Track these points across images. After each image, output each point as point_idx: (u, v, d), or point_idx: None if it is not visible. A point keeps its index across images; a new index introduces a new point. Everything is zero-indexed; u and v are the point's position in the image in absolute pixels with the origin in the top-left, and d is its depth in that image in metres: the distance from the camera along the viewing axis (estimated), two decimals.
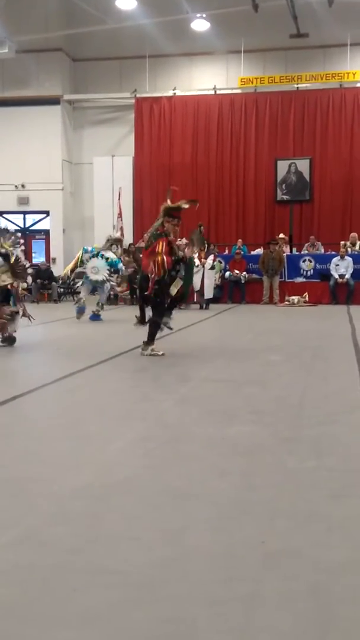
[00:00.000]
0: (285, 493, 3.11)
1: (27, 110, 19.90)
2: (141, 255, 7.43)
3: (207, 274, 14.74)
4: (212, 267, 15.00)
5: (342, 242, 16.96)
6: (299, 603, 2.13)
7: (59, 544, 2.53)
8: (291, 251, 17.71)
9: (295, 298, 15.72)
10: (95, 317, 11.74)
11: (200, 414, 4.74)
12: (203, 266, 14.71)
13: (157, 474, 3.36)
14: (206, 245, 15.09)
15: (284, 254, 16.73)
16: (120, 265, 12.28)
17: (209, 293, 14.85)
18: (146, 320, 7.38)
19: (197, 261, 14.73)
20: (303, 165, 18.98)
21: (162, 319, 7.30)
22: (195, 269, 14.61)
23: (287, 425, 4.37)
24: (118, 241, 12.56)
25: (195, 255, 14.84)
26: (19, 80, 19.81)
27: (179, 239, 14.62)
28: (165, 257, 6.80)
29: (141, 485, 3.19)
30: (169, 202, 7.24)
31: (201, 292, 14.84)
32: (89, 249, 12.11)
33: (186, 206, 7.16)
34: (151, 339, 7.18)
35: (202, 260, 14.78)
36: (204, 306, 14.79)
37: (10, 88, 20.05)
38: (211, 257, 15.00)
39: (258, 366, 6.84)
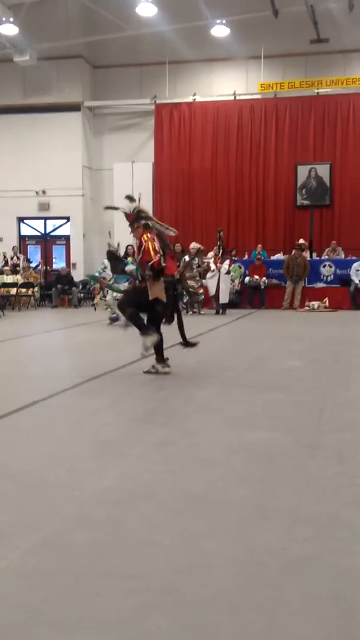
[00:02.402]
0: (306, 499, 3.10)
1: (48, 117, 20.05)
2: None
3: (222, 279, 14.69)
4: (228, 272, 14.94)
5: None
6: (321, 610, 2.12)
7: (81, 549, 2.55)
8: (311, 256, 17.64)
9: (316, 303, 15.65)
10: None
11: (220, 420, 4.74)
12: (219, 270, 14.69)
13: (177, 480, 3.36)
14: (221, 250, 15.09)
15: None
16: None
17: (224, 298, 14.80)
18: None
19: (212, 266, 14.76)
20: (323, 170, 18.91)
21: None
22: (210, 274, 14.70)
23: (308, 431, 4.35)
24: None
25: (211, 260, 14.89)
26: (40, 87, 19.97)
27: (194, 245, 14.71)
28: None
29: (161, 491, 3.20)
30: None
31: (216, 297, 14.82)
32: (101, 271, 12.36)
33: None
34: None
35: (218, 264, 14.77)
36: (221, 311, 14.76)
37: (31, 95, 20.21)
38: (227, 261, 14.95)
39: (278, 372, 6.82)
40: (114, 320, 12.00)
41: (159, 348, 6.66)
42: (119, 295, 12.04)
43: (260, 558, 2.48)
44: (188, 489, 3.21)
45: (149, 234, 6.55)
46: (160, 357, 6.68)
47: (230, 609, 2.12)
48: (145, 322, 6.63)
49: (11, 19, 17.33)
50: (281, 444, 4.04)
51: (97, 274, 12.88)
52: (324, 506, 3.01)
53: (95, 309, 12.68)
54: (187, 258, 13.47)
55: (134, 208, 6.67)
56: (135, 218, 6.62)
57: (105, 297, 12.60)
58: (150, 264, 6.34)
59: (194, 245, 14.75)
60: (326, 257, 17.40)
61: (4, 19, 17.24)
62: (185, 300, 13.62)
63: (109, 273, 12.13)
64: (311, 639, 1.97)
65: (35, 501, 3.08)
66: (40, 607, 2.14)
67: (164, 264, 6.50)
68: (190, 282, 6.67)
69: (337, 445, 4.00)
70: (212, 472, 3.49)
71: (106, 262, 12.49)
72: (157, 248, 6.47)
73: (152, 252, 6.39)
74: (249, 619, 2.07)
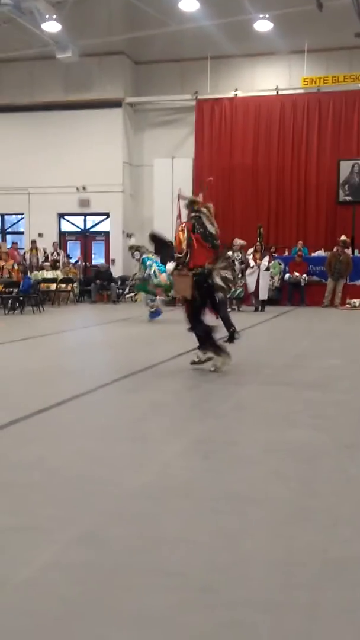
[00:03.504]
0: (346, 500, 3.05)
1: (89, 113, 20.17)
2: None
3: (262, 275, 14.64)
4: (267, 269, 14.86)
5: None
6: None
7: (118, 544, 2.55)
8: (353, 253, 17.41)
9: (357, 301, 15.45)
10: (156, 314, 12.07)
11: (258, 418, 4.70)
12: (258, 267, 14.62)
13: (215, 477, 3.34)
14: (262, 247, 15.02)
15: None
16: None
17: (263, 295, 14.73)
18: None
19: (252, 262, 14.69)
20: None
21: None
22: (249, 270, 14.62)
23: (349, 431, 4.29)
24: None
25: (251, 257, 14.82)
26: (82, 83, 20.09)
27: (238, 241, 14.66)
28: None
29: (199, 488, 3.19)
30: (201, 196, 6.85)
31: (256, 293, 14.75)
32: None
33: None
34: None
35: (257, 261, 14.69)
36: (260, 308, 14.68)
37: (73, 91, 20.36)
38: (266, 258, 14.87)
39: (317, 370, 6.75)
40: (155, 314, 12.04)
41: (207, 337, 6.59)
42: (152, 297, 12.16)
43: (299, 558, 2.45)
44: (226, 487, 3.19)
45: (183, 225, 6.69)
46: (202, 345, 6.62)
47: (268, 608, 2.10)
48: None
49: (54, 16, 17.46)
50: (321, 443, 3.99)
51: (137, 274, 12.99)
52: None
53: (133, 300, 12.85)
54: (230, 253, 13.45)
55: (192, 202, 6.71)
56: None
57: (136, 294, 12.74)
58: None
59: (237, 241, 14.71)
60: None
61: (47, 16, 17.38)
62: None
63: (147, 272, 12.17)
64: None
65: (74, 496, 3.09)
66: (80, 600, 2.16)
67: (181, 255, 6.49)
68: (223, 273, 6.53)
69: None
70: (251, 471, 3.46)
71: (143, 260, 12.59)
72: (183, 239, 6.51)
73: (177, 243, 6.66)
74: (287, 619, 2.04)
